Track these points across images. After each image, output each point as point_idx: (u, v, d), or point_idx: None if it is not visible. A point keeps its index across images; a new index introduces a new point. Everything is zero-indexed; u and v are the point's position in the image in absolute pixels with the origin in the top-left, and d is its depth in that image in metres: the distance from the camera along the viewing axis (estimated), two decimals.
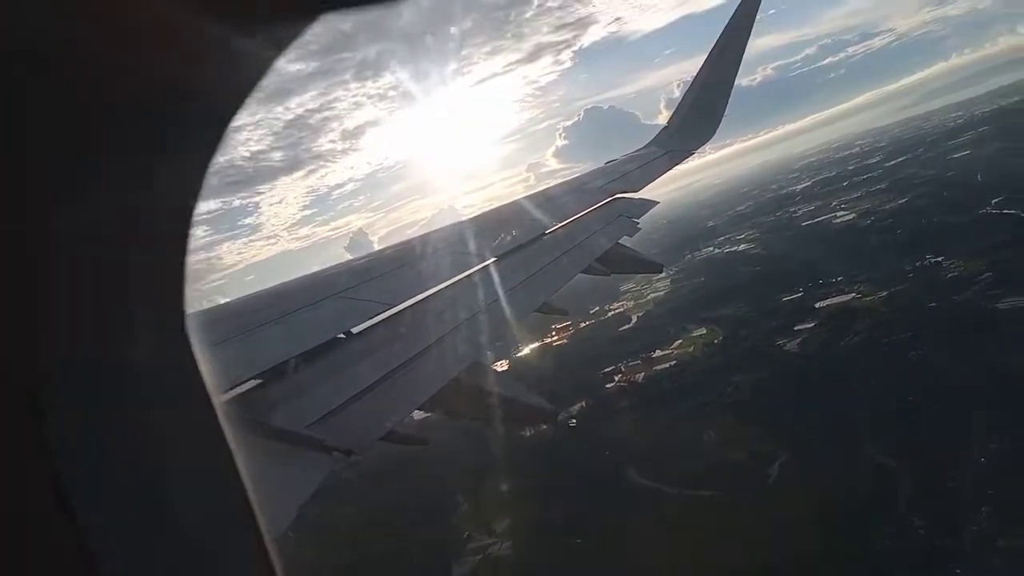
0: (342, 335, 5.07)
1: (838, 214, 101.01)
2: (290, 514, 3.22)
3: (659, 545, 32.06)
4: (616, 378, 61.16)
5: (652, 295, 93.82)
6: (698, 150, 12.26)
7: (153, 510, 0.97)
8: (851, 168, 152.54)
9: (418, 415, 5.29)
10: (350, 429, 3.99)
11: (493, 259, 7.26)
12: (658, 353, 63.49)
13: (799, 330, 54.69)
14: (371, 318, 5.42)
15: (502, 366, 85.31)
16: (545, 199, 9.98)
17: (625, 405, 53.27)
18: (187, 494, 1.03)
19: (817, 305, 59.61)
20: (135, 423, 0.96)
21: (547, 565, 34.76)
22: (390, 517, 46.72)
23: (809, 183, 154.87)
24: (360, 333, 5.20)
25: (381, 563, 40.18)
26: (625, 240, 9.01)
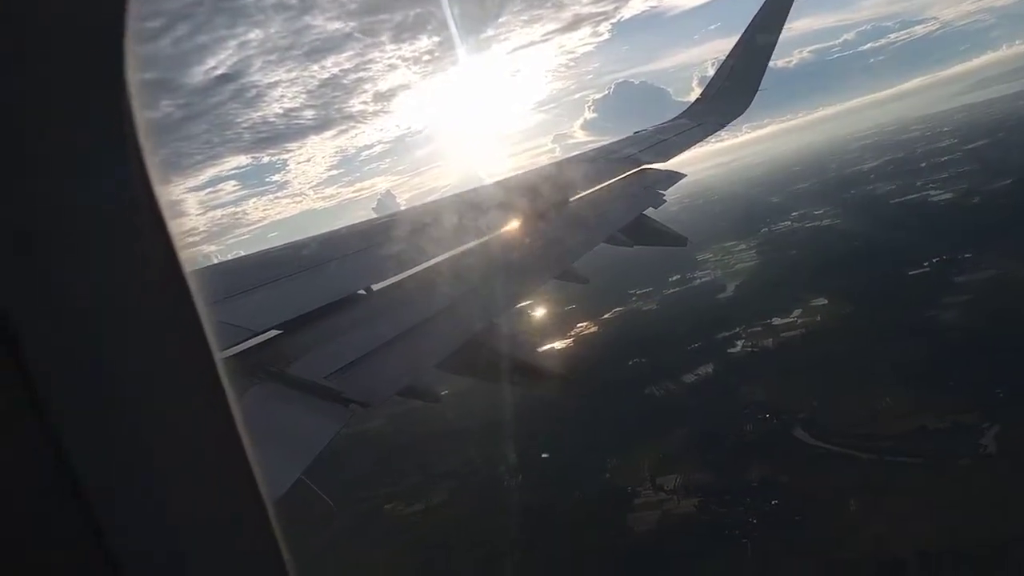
0: (363, 291, 5.09)
1: (931, 193, 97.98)
2: (305, 461, 3.24)
3: (888, 511, 30.36)
4: (738, 344, 59.26)
5: (740, 265, 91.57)
6: (731, 124, 11.88)
7: (149, 472, 0.96)
8: (920, 150, 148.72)
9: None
10: (367, 382, 4.02)
11: (518, 222, 7.21)
12: (778, 321, 61.47)
13: (949, 303, 52.44)
14: (392, 276, 5.42)
15: (591, 328, 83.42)
16: (570, 167, 9.80)
17: (763, 370, 51.34)
18: (185, 455, 1.01)
19: (957, 279, 57.23)
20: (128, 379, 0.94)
21: (746, 525, 33.12)
22: (533, 469, 45.51)
23: (876, 163, 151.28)
24: (381, 290, 5.19)
25: (544, 514, 38.80)
26: (650, 212, 8.73)
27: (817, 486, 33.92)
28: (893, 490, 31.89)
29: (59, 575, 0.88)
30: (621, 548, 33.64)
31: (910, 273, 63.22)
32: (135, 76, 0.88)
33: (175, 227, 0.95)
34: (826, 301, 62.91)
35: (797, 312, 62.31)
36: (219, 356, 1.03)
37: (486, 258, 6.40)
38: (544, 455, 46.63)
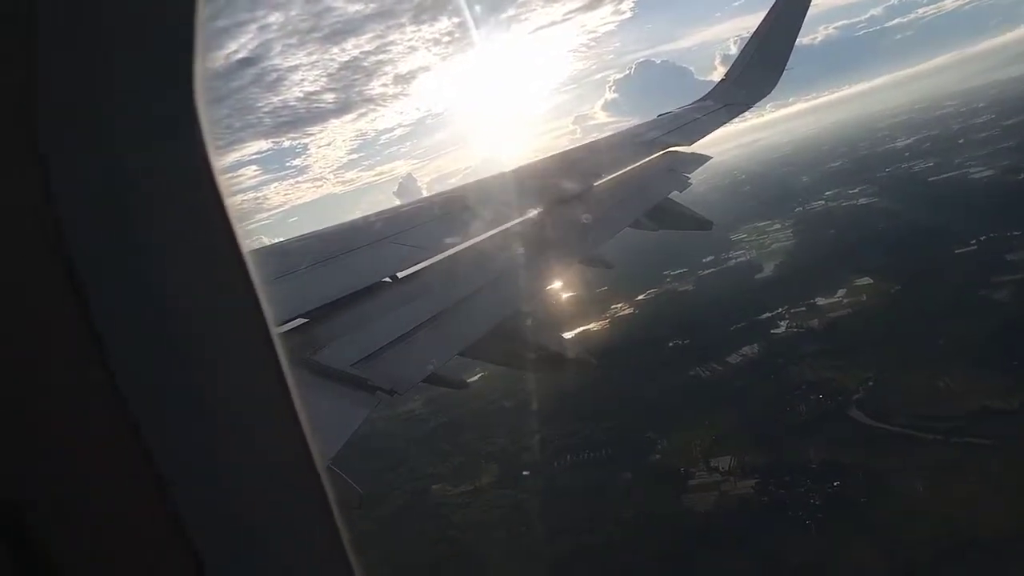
0: (388, 279, 5.12)
1: (971, 170, 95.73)
2: (332, 449, 3.26)
3: (957, 493, 29.79)
4: (782, 324, 58.45)
5: (776, 244, 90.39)
6: (757, 105, 11.75)
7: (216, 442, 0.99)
8: (956, 127, 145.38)
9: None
10: (394, 369, 4.03)
11: (540, 209, 7.16)
12: (822, 301, 60.54)
13: (1001, 282, 51.24)
14: (416, 263, 5.43)
15: (627, 310, 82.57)
16: (594, 150, 9.81)
17: (811, 350, 50.60)
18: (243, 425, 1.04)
19: (1008, 258, 55.89)
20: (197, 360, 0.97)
21: (809, 506, 32.68)
22: (579, 450, 45.32)
23: (910, 140, 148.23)
24: (405, 278, 5.24)
25: (597, 495, 38.64)
26: (675, 195, 8.71)
27: (880, 468, 33.36)
28: (962, 472, 31.26)
29: (140, 562, 0.89)
30: (681, 529, 33.38)
31: (957, 251, 61.80)
32: (203, 56, 0.89)
33: (232, 203, 0.95)
34: (871, 281, 61.82)
35: (841, 292, 61.31)
36: (276, 333, 1.04)
37: (510, 245, 6.39)
38: (589, 436, 46.39)
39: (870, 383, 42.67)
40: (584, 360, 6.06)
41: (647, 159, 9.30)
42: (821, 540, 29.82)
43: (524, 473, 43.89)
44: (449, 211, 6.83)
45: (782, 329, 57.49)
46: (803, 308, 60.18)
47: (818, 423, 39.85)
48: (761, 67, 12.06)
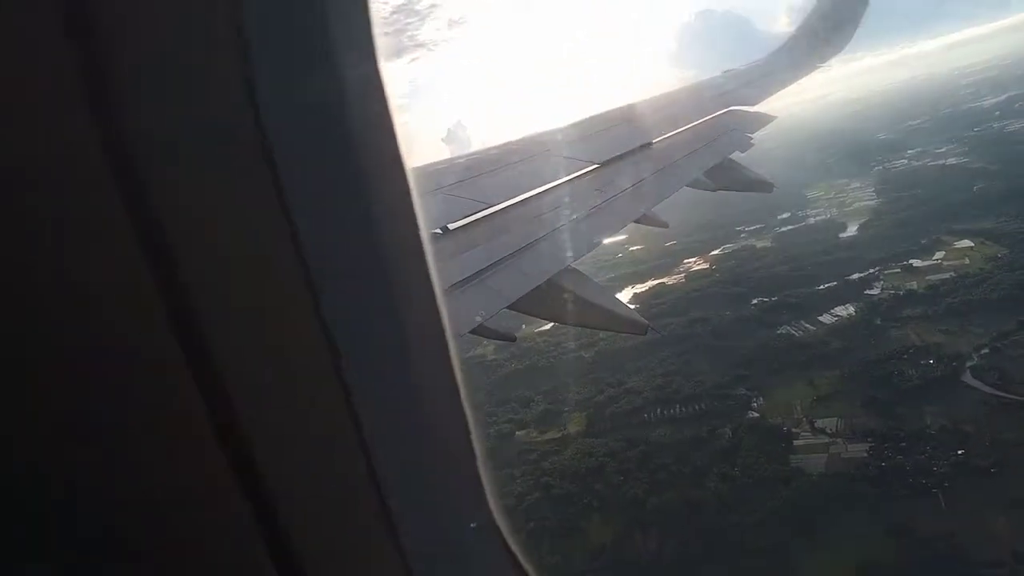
0: (439, 230, 5.13)
1: None
2: None
3: None
4: (876, 285, 55.99)
5: (857, 204, 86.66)
6: (827, 63, 11.38)
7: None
8: None
9: None
10: None
11: (595, 165, 7.06)
12: (918, 263, 57.76)
13: None
14: (468, 216, 5.42)
15: (701, 265, 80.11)
16: (655, 107, 9.63)
17: (913, 313, 48.35)
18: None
19: None
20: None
21: (933, 473, 31.27)
22: (669, 403, 44.36)
23: (999, 99, 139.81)
24: (456, 229, 5.24)
25: (696, 447, 37.78)
26: (736, 156, 8.53)
27: (1009, 438, 31.57)
28: None
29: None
30: (796, 490, 32.30)
31: None
32: None
33: (399, 120, 0.97)
34: (971, 244, 58.67)
35: (940, 254, 58.40)
36: (430, 252, 1.06)
37: (565, 200, 6.33)
38: (678, 390, 45.29)
39: (984, 350, 40.47)
40: (636, 321, 5.85)
41: (708, 117, 9.16)
42: (952, 510, 28.49)
43: (612, 423, 43.31)
44: (503, 164, 6.67)
45: (877, 290, 55.06)
46: (897, 269, 57.59)
47: (931, 389, 38.04)
48: (834, 23, 11.65)
